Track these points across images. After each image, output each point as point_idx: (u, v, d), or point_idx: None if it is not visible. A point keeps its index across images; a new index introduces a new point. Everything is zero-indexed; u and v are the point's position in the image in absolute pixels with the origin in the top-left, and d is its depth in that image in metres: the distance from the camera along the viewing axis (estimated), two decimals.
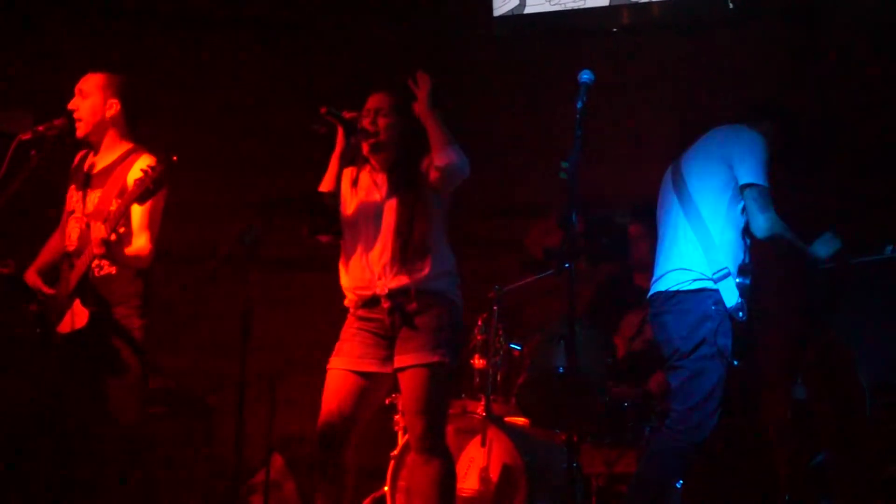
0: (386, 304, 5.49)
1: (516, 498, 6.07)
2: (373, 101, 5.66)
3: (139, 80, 6.00)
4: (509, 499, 6.11)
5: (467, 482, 6.19)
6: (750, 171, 5.50)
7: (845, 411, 5.93)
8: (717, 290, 5.45)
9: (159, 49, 7.22)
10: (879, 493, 5.72)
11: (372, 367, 5.53)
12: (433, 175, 5.53)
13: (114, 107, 5.82)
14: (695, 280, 5.47)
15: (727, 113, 5.95)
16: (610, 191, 6.89)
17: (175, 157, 5.41)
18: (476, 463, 6.24)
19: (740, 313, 5.44)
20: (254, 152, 7.33)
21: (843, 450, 5.87)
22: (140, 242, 5.68)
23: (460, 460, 6.22)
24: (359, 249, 5.59)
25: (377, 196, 5.62)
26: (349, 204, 5.63)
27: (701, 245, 5.48)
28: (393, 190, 5.60)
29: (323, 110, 5.51)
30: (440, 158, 5.45)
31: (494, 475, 6.19)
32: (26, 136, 5.78)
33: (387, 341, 5.53)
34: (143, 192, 5.42)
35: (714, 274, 5.46)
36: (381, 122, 5.59)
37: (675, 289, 5.45)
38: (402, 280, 5.48)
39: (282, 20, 7.74)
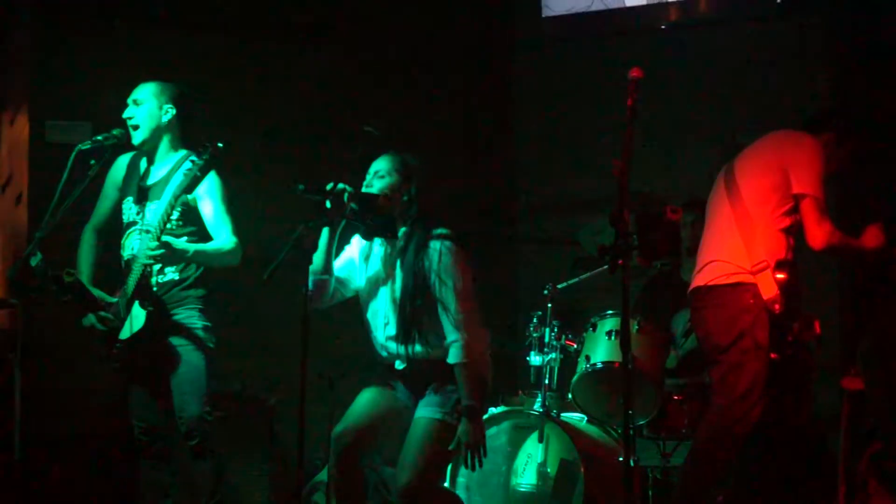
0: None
1: (574, 492, 6.07)
2: (377, 166, 5.71)
3: (190, 87, 6.08)
4: (567, 493, 6.11)
5: (525, 477, 6.25)
6: (807, 181, 5.50)
7: None
8: (754, 284, 5.47)
9: (209, 58, 7.23)
10: None
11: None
12: None
13: (168, 112, 5.87)
14: (733, 273, 5.50)
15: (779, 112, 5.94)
16: (660, 187, 6.90)
17: (219, 144, 5.51)
18: (534, 458, 6.27)
19: (777, 306, 5.46)
20: (308, 157, 7.34)
21: None
22: (221, 238, 5.76)
23: (518, 456, 6.29)
24: (373, 324, 5.77)
25: (386, 270, 5.76)
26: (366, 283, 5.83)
27: (742, 239, 5.51)
28: (398, 265, 5.69)
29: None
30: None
31: (552, 470, 6.21)
32: (85, 146, 5.88)
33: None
34: (191, 181, 5.51)
35: (753, 267, 5.48)
36: (388, 188, 5.66)
37: (713, 283, 5.49)
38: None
39: (328, 25, 7.76)
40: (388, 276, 5.63)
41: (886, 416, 3.60)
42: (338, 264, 5.67)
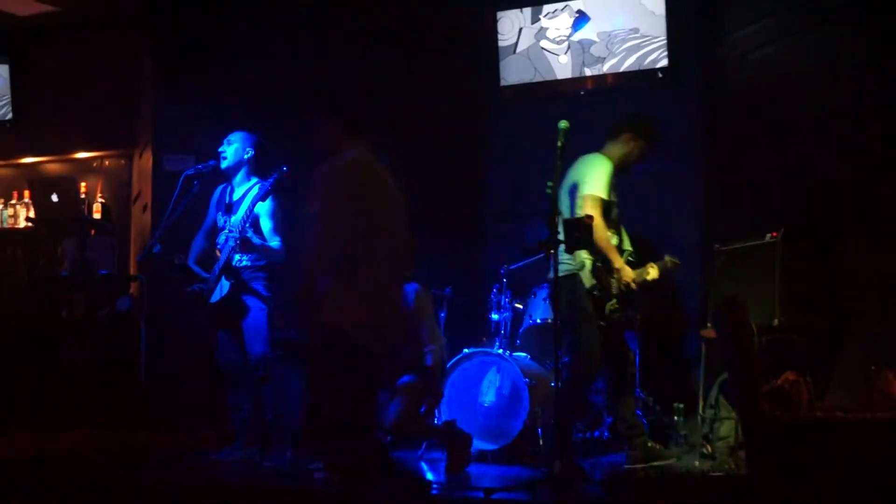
0: None
1: (521, 406, 6.07)
2: None
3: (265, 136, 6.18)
4: (516, 407, 6.11)
5: (488, 396, 6.24)
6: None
7: None
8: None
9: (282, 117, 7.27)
10: None
11: None
12: None
13: (248, 153, 5.99)
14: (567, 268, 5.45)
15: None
16: None
17: (286, 169, 5.60)
18: (493, 383, 6.26)
19: (594, 293, 5.42)
20: None
21: None
22: (274, 244, 5.84)
23: (483, 382, 6.27)
24: None
25: None
26: None
27: None
28: None
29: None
30: None
31: (506, 392, 6.21)
32: (190, 172, 6.02)
33: None
34: (263, 194, 5.62)
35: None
36: None
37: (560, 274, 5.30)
38: None
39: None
40: None
41: (731, 358, 3.74)
42: None
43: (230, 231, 5.87)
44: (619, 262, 5.48)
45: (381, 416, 5.76)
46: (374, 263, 4.41)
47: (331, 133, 4.66)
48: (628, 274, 5.50)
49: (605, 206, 5.52)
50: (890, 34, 5.76)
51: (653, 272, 5.72)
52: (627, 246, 5.80)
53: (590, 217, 5.45)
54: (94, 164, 8.81)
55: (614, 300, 5.51)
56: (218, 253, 5.94)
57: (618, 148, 5.75)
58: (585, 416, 6.11)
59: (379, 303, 4.43)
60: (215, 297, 5.89)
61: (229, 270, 5.86)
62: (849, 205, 5.90)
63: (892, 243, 5.65)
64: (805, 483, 3.49)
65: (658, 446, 5.76)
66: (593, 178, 5.54)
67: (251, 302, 5.90)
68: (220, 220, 6.03)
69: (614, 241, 5.59)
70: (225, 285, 5.86)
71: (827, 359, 5.73)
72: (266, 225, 5.90)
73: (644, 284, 5.69)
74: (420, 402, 5.92)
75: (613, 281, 5.48)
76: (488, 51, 7.43)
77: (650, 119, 5.94)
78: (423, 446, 6.28)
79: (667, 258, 5.91)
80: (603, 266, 5.47)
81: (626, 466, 5.56)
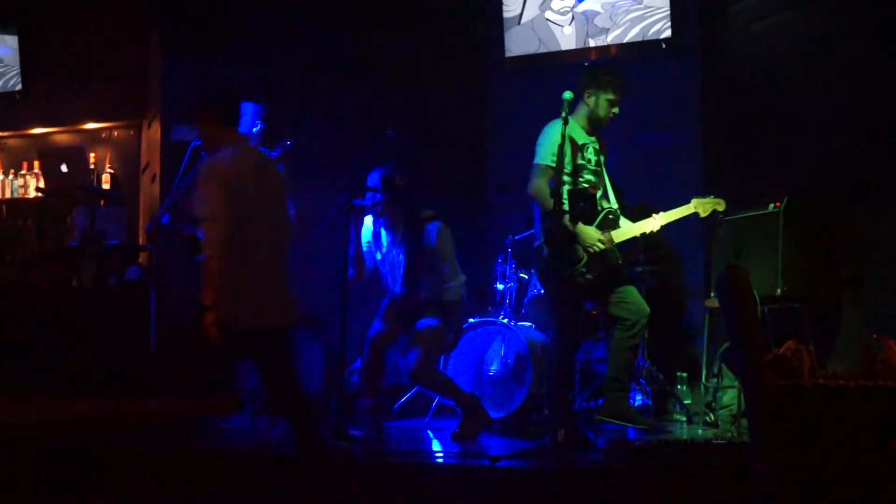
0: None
1: (525, 374, 6.09)
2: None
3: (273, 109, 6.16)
4: (521, 375, 6.12)
5: (493, 365, 6.22)
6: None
7: None
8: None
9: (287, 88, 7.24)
10: None
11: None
12: None
13: (258, 125, 5.96)
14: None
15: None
16: None
17: (290, 144, 5.74)
18: (498, 352, 6.25)
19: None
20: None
21: None
22: None
23: (488, 351, 6.27)
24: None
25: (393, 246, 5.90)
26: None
27: None
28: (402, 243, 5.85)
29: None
30: None
31: (511, 361, 6.20)
32: (198, 143, 5.86)
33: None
34: None
35: None
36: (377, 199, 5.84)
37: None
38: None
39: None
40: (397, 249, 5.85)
41: (734, 328, 3.75)
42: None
43: None
44: (570, 226, 5.40)
45: (403, 361, 5.84)
46: (253, 250, 4.61)
47: (209, 132, 4.87)
48: (590, 235, 5.44)
49: (573, 169, 5.49)
50: (888, 4, 5.74)
51: (653, 223, 5.60)
52: (610, 204, 5.69)
53: (594, 187, 5.43)
54: (103, 135, 8.82)
55: (581, 264, 5.46)
56: None
57: (583, 107, 5.64)
58: (572, 386, 5.98)
59: (260, 287, 4.63)
60: None
61: None
62: (849, 175, 5.93)
63: (891, 213, 5.65)
64: (807, 450, 3.48)
65: (633, 409, 5.74)
66: (539, 148, 5.51)
67: None
68: None
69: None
70: None
71: (829, 327, 5.78)
72: None
73: (648, 237, 5.65)
74: (440, 349, 5.93)
75: (577, 246, 5.44)
76: (493, 22, 7.38)
77: (606, 68, 5.83)
78: (430, 414, 6.29)
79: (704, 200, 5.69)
80: (560, 233, 5.36)
81: (597, 416, 5.60)
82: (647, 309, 5.58)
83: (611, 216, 5.61)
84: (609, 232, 5.53)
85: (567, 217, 5.36)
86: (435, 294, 5.83)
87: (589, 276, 5.47)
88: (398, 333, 5.90)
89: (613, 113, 5.62)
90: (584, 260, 5.46)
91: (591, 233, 5.46)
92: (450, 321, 5.88)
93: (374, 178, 5.79)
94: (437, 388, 5.95)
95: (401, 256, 5.84)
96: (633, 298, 5.58)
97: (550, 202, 5.29)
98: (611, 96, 5.58)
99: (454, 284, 5.87)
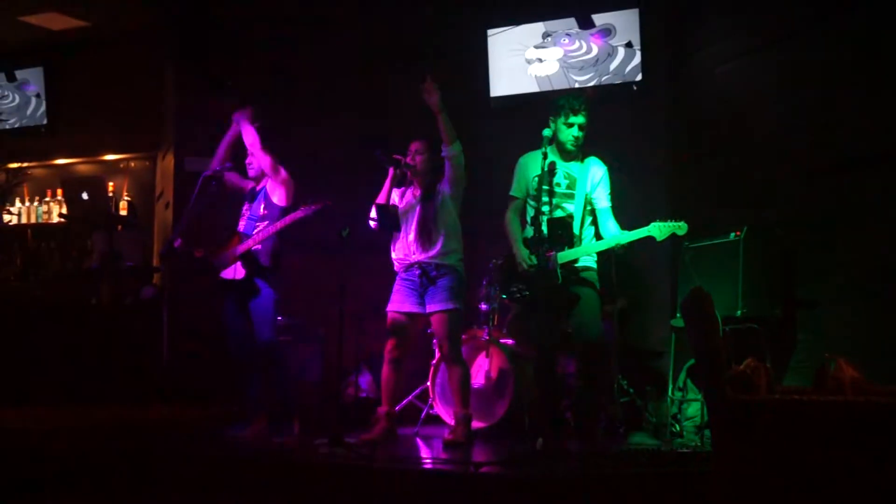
0: (417, 270, 5.72)
1: (507, 388, 6.07)
2: (413, 146, 5.82)
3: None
4: (503, 389, 6.10)
5: (476, 379, 6.19)
6: None
7: None
8: None
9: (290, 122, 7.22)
10: None
11: (412, 309, 5.76)
12: (448, 171, 5.70)
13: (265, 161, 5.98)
14: None
15: None
16: None
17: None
18: (482, 368, 6.25)
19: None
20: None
21: None
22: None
23: (473, 366, 6.23)
24: (402, 235, 5.79)
25: (414, 204, 5.81)
26: (401, 209, 5.83)
27: None
28: (421, 200, 5.77)
29: (378, 153, 5.69)
30: (447, 150, 5.65)
31: (494, 375, 6.19)
32: (208, 174, 5.99)
33: (419, 292, 5.73)
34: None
35: None
36: (418, 158, 5.79)
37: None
38: (425, 255, 5.70)
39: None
40: (414, 207, 5.80)
41: (698, 346, 3.73)
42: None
43: (251, 217, 5.94)
44: (514, 248, 5.46)
45: None
46: None
47: None
48: (519, 254, 5.39)
49: (534, 197, 5.41)
50: (840, 50, 5.80)
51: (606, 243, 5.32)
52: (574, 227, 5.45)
53: (570, 216, 5.41)
54: (121, 165, 8.86)
55: (518, 282, 5.42)
56: (237, 239, 5.91)
57: (551, 137, 5.40)
58: (552, 396, 5.65)
59: None
60: (228, 274, 5.88)
61: (247, 258, 5.83)
62: (804, 205, 5.94)
63: (843, 240, 5.68)
64: (763, 458, 3.50)
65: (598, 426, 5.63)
66: (513, 180, 5.59)
67: (261, 282, 5.86)
68: (243, 208, 6.08)
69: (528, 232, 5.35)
70: (240, 269, 5.84)
71: (785, 346, 5.77)
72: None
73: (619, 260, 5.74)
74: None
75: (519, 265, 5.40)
76: (480, 65, 7.46)
77: (562, 95, 5.69)
78: (419, 422, 6.28)
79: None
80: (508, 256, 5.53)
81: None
82: (594, 331, 5.25)
83: (559, 233, 5.28)
84: (556, 253, 5.21)
85: (519, 240, 5.43)
86: (451, 261, 5.82)
87: (526, 293, 5.37)
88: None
89: (574, 136, 5.37)
90: (521, 278, 5.39)
91: (520, 251, 5.39)
92: (461, 298, 5.85)
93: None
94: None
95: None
96: (580, 320, 5.26)
97: (510, 227, 5.48)
98: (568, 120, 5.35)
99: (457, 249, 5.88)
